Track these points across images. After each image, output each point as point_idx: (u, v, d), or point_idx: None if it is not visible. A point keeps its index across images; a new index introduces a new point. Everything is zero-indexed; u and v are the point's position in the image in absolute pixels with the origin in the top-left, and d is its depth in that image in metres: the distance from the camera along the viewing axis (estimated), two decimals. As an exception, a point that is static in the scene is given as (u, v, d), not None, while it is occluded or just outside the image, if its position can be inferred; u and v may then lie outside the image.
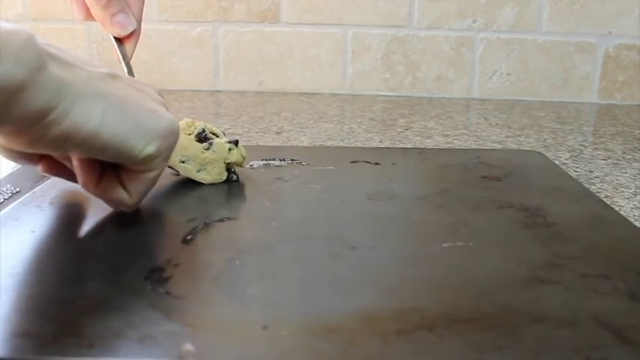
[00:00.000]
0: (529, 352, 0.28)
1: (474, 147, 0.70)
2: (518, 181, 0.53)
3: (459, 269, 0.36)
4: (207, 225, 0.41)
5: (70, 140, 0.33)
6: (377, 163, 0.57)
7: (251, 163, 0.54)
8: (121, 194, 0.39)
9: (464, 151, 0.67)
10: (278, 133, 0.74)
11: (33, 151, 0.38)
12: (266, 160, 0.57)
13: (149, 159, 0.37)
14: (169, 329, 0.29)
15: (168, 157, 0.39)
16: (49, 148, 0.34)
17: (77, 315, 0.30)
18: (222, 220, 0.43)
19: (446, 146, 0.70)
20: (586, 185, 0.56)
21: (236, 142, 0.50)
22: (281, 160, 0.57)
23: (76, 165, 0.39)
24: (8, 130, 0.32)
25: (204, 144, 0.49)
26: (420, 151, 0.64)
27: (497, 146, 0.71)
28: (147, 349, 0.27)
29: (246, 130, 0.75)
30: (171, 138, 0.38)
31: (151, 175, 0.38)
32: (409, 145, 0.69)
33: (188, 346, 0.27)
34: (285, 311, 0.31)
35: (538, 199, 0.48)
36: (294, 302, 0.32)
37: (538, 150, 0.68)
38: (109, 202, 0.40)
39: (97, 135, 0.33)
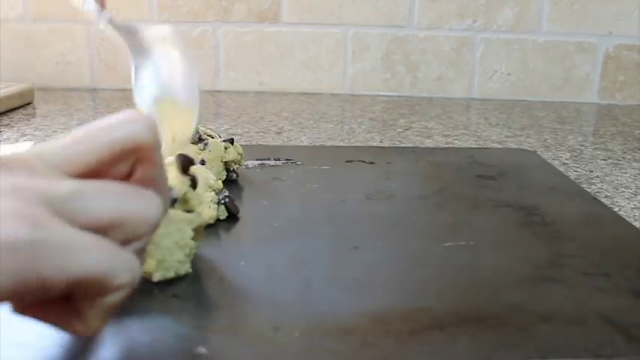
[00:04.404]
0: (539, 350, 0.28)
1: (474, 147, 0.70)
2: (513, 180, 0.54)
3: (463, 268, 0.36)
4: (207, 225, 0.41)
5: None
6: (372, 163, 0.58)
7: (246, 163, 0.54)
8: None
9: (457, 150, 0.67)
10: (278, 133, 0.74)
11: None
12: (261, 159, 0.57)
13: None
14: (180, 332, 0.29)
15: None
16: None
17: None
18: (222, 220, 0.43)
19: (446, 146, 0.70)
20: (586, 185, 0.56)
21: (231, 141, 0.51)
22: (276, 160, 0.57)
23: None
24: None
25: (200, 145, 0.49)
26: (414, 151, 0.64)
27: (498, 146, 0.71)
28: (159, 353, 0.27)
29: (246, 130, 0.75)
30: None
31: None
32: (409, 145, 0.69)
33: (201, 350, 0.27)
34: (296, 312, 0.31)
35: (534, 198, 0.48)
36: (304, 303, 0.32)
37: (539, 150, 0.68)
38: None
39: None
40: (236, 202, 0.43)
